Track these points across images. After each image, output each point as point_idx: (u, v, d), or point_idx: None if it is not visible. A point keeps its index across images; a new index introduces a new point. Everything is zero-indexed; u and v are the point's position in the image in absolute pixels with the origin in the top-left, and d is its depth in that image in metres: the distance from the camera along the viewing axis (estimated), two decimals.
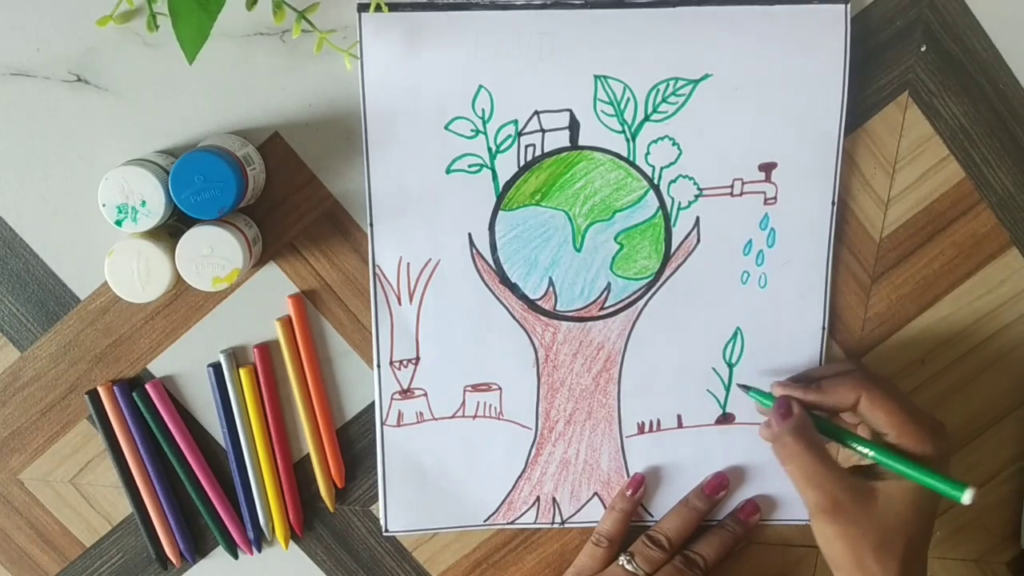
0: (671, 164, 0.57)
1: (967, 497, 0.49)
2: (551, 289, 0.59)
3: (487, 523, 0.62)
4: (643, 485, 0.61)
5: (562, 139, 0.57)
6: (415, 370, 0.60)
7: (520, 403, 0.60)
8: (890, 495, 0.51)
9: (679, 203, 0.58)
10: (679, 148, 0.57)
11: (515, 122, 0.56)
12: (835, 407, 0.54)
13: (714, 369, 0.60)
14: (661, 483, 0.62)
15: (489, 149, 0.57)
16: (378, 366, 0.59)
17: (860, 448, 0.53)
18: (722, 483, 0.61)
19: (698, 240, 0.58)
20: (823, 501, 0.51)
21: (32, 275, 0.58)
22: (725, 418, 0.61)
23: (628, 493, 0.61)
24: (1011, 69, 0.57)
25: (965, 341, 0.61)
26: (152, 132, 0.56)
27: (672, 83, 0.56)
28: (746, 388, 0.59)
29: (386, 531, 0.62)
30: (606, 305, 0.59)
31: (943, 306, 0.61)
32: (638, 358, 0.60)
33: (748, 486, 0.62)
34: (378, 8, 0.53)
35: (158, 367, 0.59)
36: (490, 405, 0.60)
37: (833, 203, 0.58)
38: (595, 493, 0.62)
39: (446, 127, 0.56)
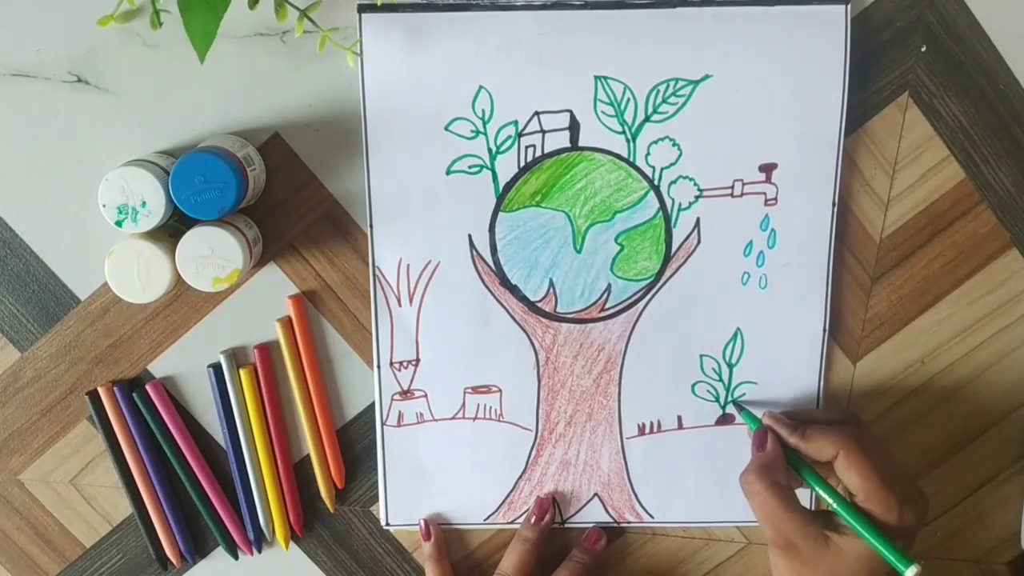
0: (671, 165, 0.57)
1: (909, 573, 0.50)
2: (551, 290, 0.59)
3: (487, 523, 0.62)
4: (550, 510, 0.61)
5: (562, 140, 0.57)
6: (415, 371, 0.60)
7: (520, 405, 0.60)
8: (843, 549, 0.52)
9: (679, 204, 0.58)
10: (679, 149, 0.57)
11: (515, 123, 0.56)
12: (813, 457, 0.55)
13: (714, 370, 0.60)
14: (662, 484, 0.62)
15: (489, 150, 0.57)
16: (378, 367, 0.59)
17: (825, 497, 0.54)
18: (599, 535, 0.62)
19: (698, 241, 0.58)
20: (777, 539, 0.53)
21: (32, 276, 0.58)
22: (725, 419, 0.61)
23: (532, 521, 0.61)
24: (1011, 69, 0.57)
25: (965, 342, 0.61)
26: (152, 133, 0.56)
27: (672, 84, 0.56)
28: (740, 408, 0.60)
29: (386, 524, 0.62)
30: (607, 306, 0.59)
31: (943, 307, 0.61)
32: (639, 359, 0.60)
33: None
34: (379, 8, 0.53)
35: (158, 368, 0.59)
36: (490, 407, 0.60)
37: (833, 204, 0.58)
38: (595, 494, 0.62)
39: (446, 128, 0.56)
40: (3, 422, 0.60)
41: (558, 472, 0.62)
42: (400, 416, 0.60)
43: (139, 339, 0.59)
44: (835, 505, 0.53)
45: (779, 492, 0.53)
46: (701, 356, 0.60)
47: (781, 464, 0.55)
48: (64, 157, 0.56)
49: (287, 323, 0.59)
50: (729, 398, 0.61)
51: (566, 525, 0.63)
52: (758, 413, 0.59)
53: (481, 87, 0.55)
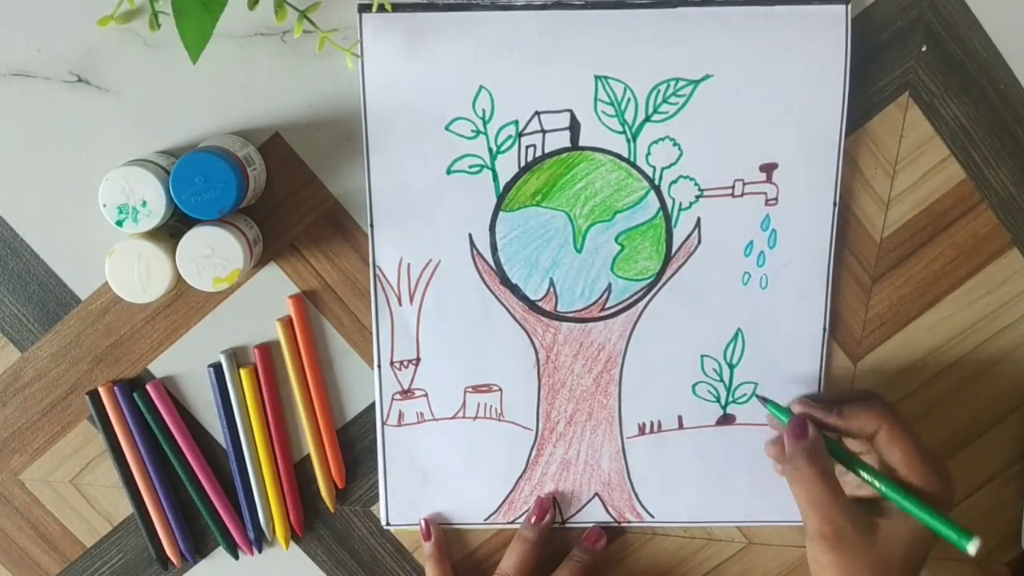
0: (672, 165, 0.57)
1: (972, 547, 0.48)
2: (552, 290, 0.59)
3: (487, 523, 0.62)
4: (550, 510, 0.61)
5: (563, 140, 0.57)
6: (416, 371, 0.60)
7: (521, 404, 0.60)
8: (891, 532, 0.51)
9: (680, 204, 0.58)
10: (680, 149, 0.57)
11: (516, 122, 0.56)
12: (855, 434, 0.54)
13: (715, 370, 0.60)
14: (662, 484, 0.62)
15: (490, 149, 0.57)
16: (378, 366, 0.59)
17: (871, 480, 0.52)
18: (599, 535, 0.62)
19: (699, 241, 0.58)
20: (825, 528, 0.51)
21: (33, 275, 0.58)
22: (726, 419, 0.61)
23: (532, 521, 0.61)
24: (1012, 69, 0.57)
25: (966, 342, 0.61)
26: (153, 132, 0.56)
27: (673, 83, 0.56)
28: (764, 400, 0.59)
29: (387, 524, 0.62)
30: (607, 306, 0.59)
31: (944, 307, 0.61)
32: (639, 359, 0.60)
33: (748, 487, 0.62)
34: (380, 8, 0.53)
35: (159, 367, 0.59)
36: (490, 406, 0.60)
37: (834, 204, 0.58)
38: (596, 494, 0.62)
39: (447, 127, 0.56)
40: (3, 422, 0.60)
41: (558, 472, 0.62)
42: (400, 415, 0.60)
43: (139, 339, 0.59)
44: (883, 487, 0.51)
45: (830, 479, 0.51)
46: (702, 356, 0.60)
47: (825, 449, 0.53)
48: (64, 157, 0.56)
49: (287, 323, 0.59)
50: (730, 398, 0.61)
51: (566, 525, 0.63)
52: (782, 403, 0.58)
53: (481, 87, 0.55)
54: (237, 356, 0.59)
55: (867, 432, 0.53)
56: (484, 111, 0.56)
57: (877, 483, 0.52)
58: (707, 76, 0.56)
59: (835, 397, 0.58)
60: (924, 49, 0.57)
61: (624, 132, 0.56)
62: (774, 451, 0.58)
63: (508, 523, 0.62)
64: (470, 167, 0.57)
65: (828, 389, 0.60)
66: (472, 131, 0.56)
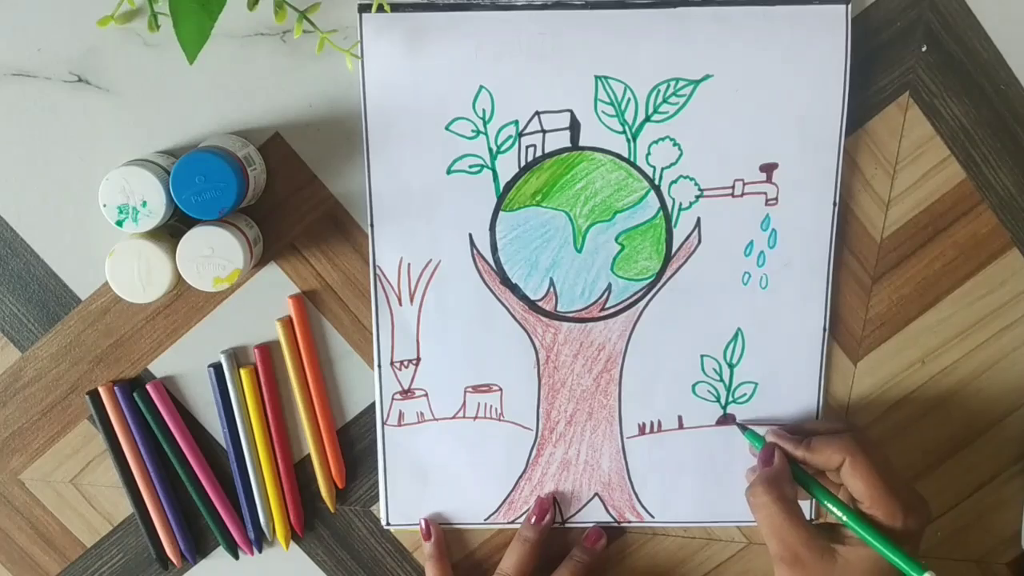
0: (672, 165, 0.57)
1: None
2: (552, 290, 0.59)
3: (487, 523, 0.62)
4: (550, 510, 0.61)
5: (563, 140, 0.57)
6: (416, 370, 0.60)
7: (521, 404, 0.60)
8: (850, 560, 0.52)
9: (680, 204, 0.58)
10: (680, 149, 0.57)
11: (516, 122, 0.56)
12: (820, 467, 0.55)
13: (715, 370, 0.60)
14: (662, 484, 0.62)
15: (490, 149, 0.57)
16: (379, 366, 0.59)
17: (832, 508, 0.54)
18: (599, 535, 0.62)
19: (699, 241, 0.58)
20: (783, 553, 0.53)
21: (33, 275, 0.58)
22: (726, 419, 0.61)
23: (532, 521, 0.61)
24: (1012, 69, 0.57)
25: (966, 342, 0.61)
26: (153, 132, 0.56)
27: (673, 83, 0.56)
28: (743, 428, 0.60)
29: (387, 524, 0.62)
30: (607, 306, 0.59)
31: (944, 307, 0.61)
32: (639, 359, 0.60)
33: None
34: (379, 8, 0.53)
35: (159, 367, 0.59)
36: (491, 406, 0.60)
37: (834, 204, 0.58)
38: (596, 494, 0.62)
39: (447, 127, 0.56)
40: (4, 422, 0.60)
41: (558, 472, 0.62)
42: (401, 415, 0.60)
43: (140, 339, 0.59)
44: (843, 515, 0.53)
45: (786, 505, 0.53)
46: (702, 356, 0.60)
47: (788, 477, 0.55)
48: (64, 157, 0.56)
49: (287, 323, 0.59)
50: (730, 398, 0.61)
51: (566, 525, 0.63)
52: (760, 431, 0.59)
53: (482, 87, 0.55)
54: (237, 356, 0.59)
55: (833, 465, 0.54)
56: (484, 111, 0.56)
57: (838, 512, 0.54)
58: (707, 76, 0.56)
59: (809, 427, 0.59)
60: (924, 49, 0.57)
61: (624, 132, 0.56)
62: (751, 477, 0.59)
63: (508, 523, 0.62)
64: (470, 167, 0.57)
65: (805, 421, 0.61)
66: (472, 131, 0.56)
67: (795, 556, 0.52)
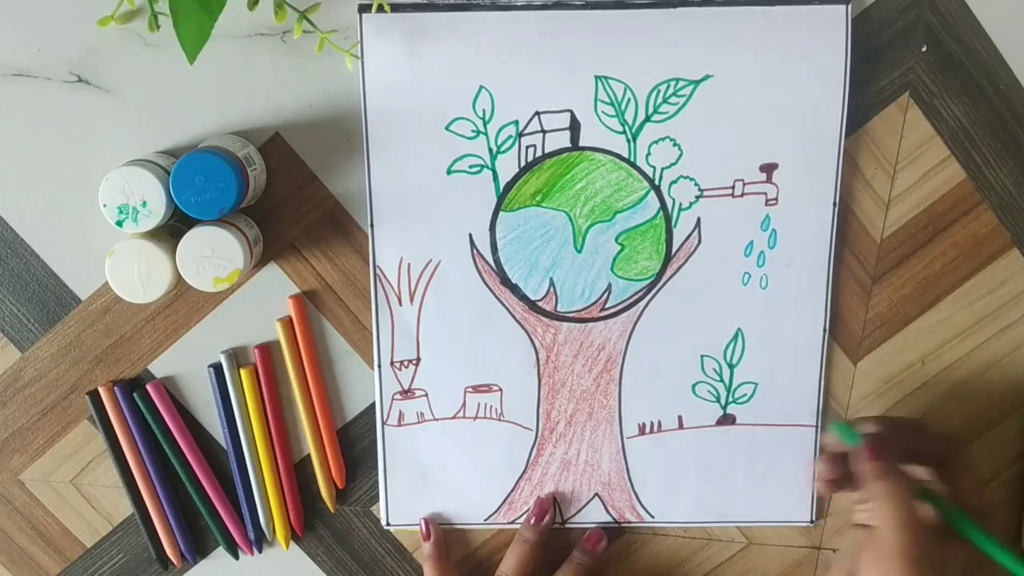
0: (672, 165, 0.57)
1: None
2: (552, 290, 0.59)
3: (487, 523, 0.62)
4: (550, 511, 0.61)
5: (563, 140, 0.57)
6: (416, 370, 0.60)
7: (521, 404, 0.60)
8: (960, 560, 0.50)
9: (680, 204, 0.58)
10: (680, 149, 0.57)
11: (516, 123, 0.56)
12: (923, 460, 0.53)
13: (715, 370, 0.60)
14: (662, 484, 0.62)
15: (490, 150, 0.57)
16: (379, 366, 0.59)
17: (939, 506, 0.51)
18: (600, 536, 0.62)
19: (699, 241, 0.58)
20: (914, 550, 0.48)
21: (33, 275, 0.58)
22: (726, 419, 0.61)
23: (532, 522, 0.61)
24: (1012, 69, 0.57)
25: (966, 342, 0.61)
26: (153, 132, 0.56)
27: (673, 84, 0.56)
28: (838, 424, 0.54)
29: (387, 524, 0.62)
30: (607, 306, 0.59)
31: (944, 307, 0.61)
32: (639, 359, 0.60)
33: (749, 487, 0.62)
34: (379, 8, 0.53)
35: (159, 367, 0.59)
36: (491, 406, 0.60)
37: (834, 204, 0.58)
38: (596, 494, 0.62)
39: (447, 128, 0.56)
40: (4, 422, 0.60)
41: (558, 472, 0.62)
42: (401, 415, 0.60)
43: (140, 339, 0.59)
44: (951, 515, 0.51)
45: (911, 500, 0.49)
46: (702, 356, 0.60)
47: (902, 470, 0.51)
48: (64, 157, 0.56)
49: (288, 323, 0.59)
50: (730, 398, 0.61)
51: (566, 525, 0.63)
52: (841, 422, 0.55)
53: (482, 87, 0.55)
54: (237, 356, 0.59)
55: (936, 456, 0.52)
56: (484, 111, 0.56)
57: (944, 511, 0.51)
58: (707, 76, 0.56)
59: (888, 422, 0.55)
60: (924, 49, 0.57)
61: (624, 132, 0.56)
62: (829, 469, 0.55)
63: (508, 523, 0.62)
64: (470, 167, 0.57)
65: (870, 416, 0.57)
66: (472, 131, 0.56)
67: (928, 554, 0.48)
